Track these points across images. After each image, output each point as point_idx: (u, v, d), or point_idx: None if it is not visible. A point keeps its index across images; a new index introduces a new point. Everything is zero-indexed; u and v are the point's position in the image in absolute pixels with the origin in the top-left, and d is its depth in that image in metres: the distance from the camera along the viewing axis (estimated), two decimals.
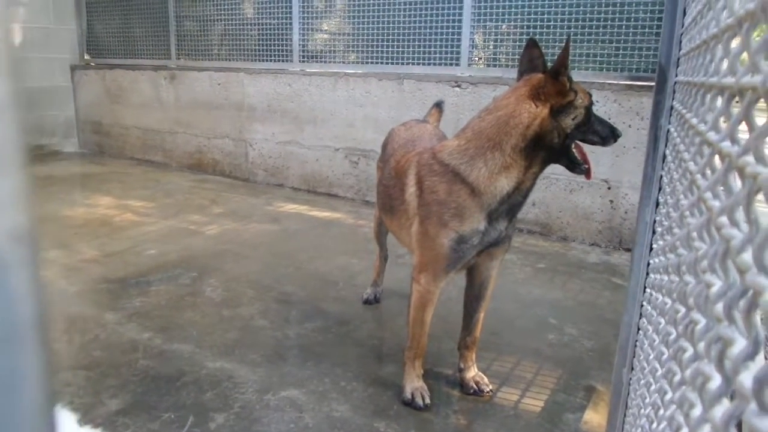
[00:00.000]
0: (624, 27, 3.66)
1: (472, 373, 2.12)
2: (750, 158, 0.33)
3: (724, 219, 0.38)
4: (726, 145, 0.41)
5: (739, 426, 0.30)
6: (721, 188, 0.43)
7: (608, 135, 1.89)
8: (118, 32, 6.60)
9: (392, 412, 1.97)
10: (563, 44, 1.72)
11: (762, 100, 0.34)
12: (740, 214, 0.36)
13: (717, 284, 0.38)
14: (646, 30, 3.61)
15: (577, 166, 1.87)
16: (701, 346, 0.42)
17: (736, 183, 0.39)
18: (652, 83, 1.36)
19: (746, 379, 0.27)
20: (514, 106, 1.80)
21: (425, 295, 1.95)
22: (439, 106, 2.80)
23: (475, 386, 2.09)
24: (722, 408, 0.32)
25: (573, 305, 2.88)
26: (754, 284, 0.27)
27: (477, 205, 1.82)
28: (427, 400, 2.00)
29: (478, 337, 2.14)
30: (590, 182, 3.79)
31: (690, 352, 0.48)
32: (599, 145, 1.91)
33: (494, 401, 2.07)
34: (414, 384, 2.02)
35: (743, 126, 0.41)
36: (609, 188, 3.75)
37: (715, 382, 0.35)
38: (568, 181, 3.85)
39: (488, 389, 2.09)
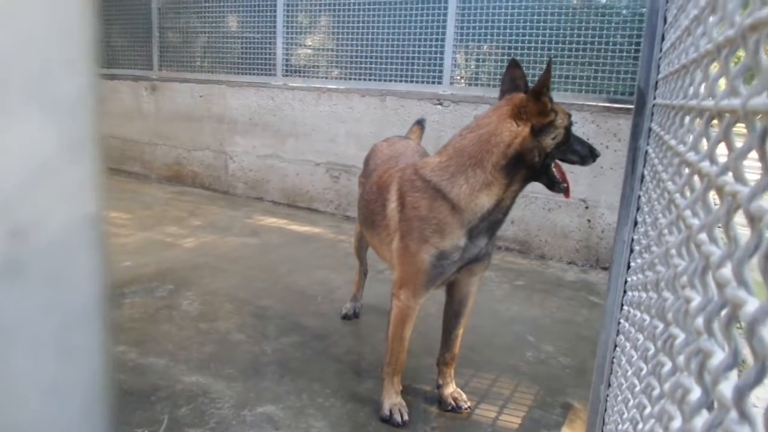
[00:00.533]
0: (603, 50, 3.74)
1: (451, 389, 2.12)
2: (729, 177, 0.34)
3: (703, 236, 0.39)
4: (705, 165, 0.42)
5: None
6: (700, 206, 0.44)
7: (587, 155, 1.94)
8: (99, 41, 6.54)
9: (370, 428, 1.96)
10: (545, 65, 1.76)
11: (740, 122, 0.36)
12: (718, 232, 0.37)
13: (696, 299, 0.40)
14: (624, 54, 3.70)
15: (557, 184, 1.90)
16: (680, 359, 0.43)
17: (715, 202, 0.40)
18: (630, 105, 1.39)
19: (726, 389, 0.28)
20: (495, 124, 1.83)
21: (405, 310, 1.96)
22: (420, 123, 2.83)
23: (453, 403, 2.09)
24: (702, 419, 0.33)
25: (550, 323, 2.91)
26: (734, 298, 0.28)
27: (458, 222, 1.83)
28: (405, 417, 1.99)
29: (457, 354, 2.14)
30: (568, 202, 3.84)
31: (669, 366, 0.49)
32: (578, 164, 1.95)
33: (472, 418, 2.07)
34: (392, 400, 2.01)
35: (722, 148, 0.42)
36: (586, 208, 3.81)
37: (695, 393, 0.36)
38: (547, 200, 3.90)
39: (466, 406, 2.09)
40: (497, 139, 1.82)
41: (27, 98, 0.12)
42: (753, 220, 0.26)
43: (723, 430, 0.27)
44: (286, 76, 5.12)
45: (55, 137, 0.12)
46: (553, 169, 1.89)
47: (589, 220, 3.81)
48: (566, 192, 1.93)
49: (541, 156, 1.84)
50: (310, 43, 5.09)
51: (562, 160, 1.91)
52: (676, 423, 0.41)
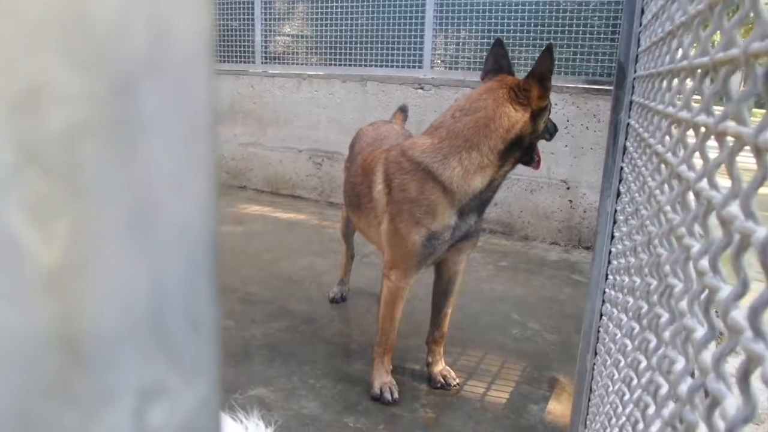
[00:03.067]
0: (581, 33, 3.78)
1: (440, 367, 2.15)
2: (730, 123, 0.36)
3: (703, 184, 0.41)
4: (702, 118, 0.44)
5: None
6: (698, 157, 0.46)
7: (554, 130, 2.04)
8: None
9: (361, 407, 1.98)
10: (544, 49, 1.76)
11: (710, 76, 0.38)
12: (720, 177, 0.39)
13: (695, 245, 0.41)
14: (602, 36, 3.74)
15: (532, 159, 1.96)
16: (682, 305, 0.44)
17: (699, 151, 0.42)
18: (608, 87, 1.42)
19: (733, 317, 0.29)
20: (493, 108, 1.83)
21: (396, 291, 1.97)
22: (403, 110, 2.83)
23: (442, 380, 2.12)
24: (708, 353, 0.35)
25: (535, 301, 2.95)
26: (744, 230, 0.30)
27: (449, 202, 1.85)
28: (396, 395, 2.02)
29: (446, 332, 2.17)
30: (550, 182, 3.89)
31: (666, 316, 0.51)
32: (548, 140, 2.05)
33: (461, 394, 2.11)
34: (383, 379, 2.04)
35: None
36: (568, 188, 3.86)
37: (700, 331, 0.38)
38: (529, 181, 3.95)
39: (455, 383, 2.13)
40: (497, 123, 1.82)
41: None
42: (759, 151, 0.28)
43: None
44: (266, 63, 5.07)
45: None
46: None
47: (570, 201, 3.87)
48: (538, 164, 1.99)
49: (534, 138, 1.90)
50: (288, 30, 5.04)
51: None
52: (679, 365, 0.43)
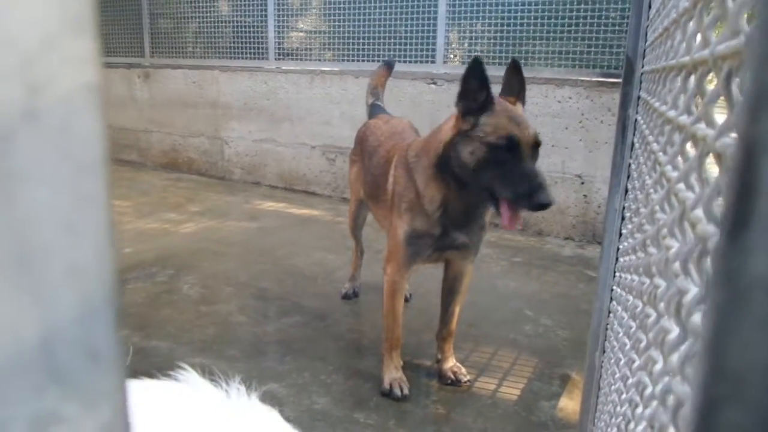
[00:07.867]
0: (595, 25, 3.73)
1: (450, 363, 2.16)
2: (701, 125, 0.36)
3: (681, 185, 0.41)
4: (683, 118, 0.44)
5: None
6: (680, 159, 0.46)
7: (522, 194, 1.61)
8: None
9: (372, 403, 1.99)
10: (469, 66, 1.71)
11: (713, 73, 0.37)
12: (695, 179, 0.39)
13: (675, 246, 0.41)
14: (617, 28, 3.69)
15: (497, 208, 1.71)
16: (662, 306, 0.44)
17: (693, 152, 0.42)
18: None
19: (697, 318, 0.29)
20: (451, 119, 1.81)
21: (392, 284, 2.02)
22: (388, 64, 2.82)
23: (452, 376, 2.12)
24: (678, 353, 0.35)
25: (548, 297, 2.94)
26: (704, 233, 0.29)
27: (420, 206, 1.89)
28: (406, 391, 2.02)
29: (453, 330, 2.17)
30: (564, 177, 3.85)
31: (653, 316, 0.51)
32: (512, 201, 1.65)
33: (472, 390, 2.11)
34: (392, 375, 2.05)
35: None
36: (582, 183, 3.83)
37: (674, 333, 0.38)
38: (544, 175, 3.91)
39: (465, 379, 2.13)
40: (440, 134, 1.83)
41: None
42: (720, 157, 0.28)
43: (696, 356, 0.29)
44: (279, 59, 5.09)
45: (59, 13, 0.15)
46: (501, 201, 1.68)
47: (585, 196, 3.83)
48: (505, 221, 1.67)
49: (462, 168, 1.71)
50: (302, 26, 5.05)
51: (490, 189, 1.69)
52: (659, 365, 0.43)
